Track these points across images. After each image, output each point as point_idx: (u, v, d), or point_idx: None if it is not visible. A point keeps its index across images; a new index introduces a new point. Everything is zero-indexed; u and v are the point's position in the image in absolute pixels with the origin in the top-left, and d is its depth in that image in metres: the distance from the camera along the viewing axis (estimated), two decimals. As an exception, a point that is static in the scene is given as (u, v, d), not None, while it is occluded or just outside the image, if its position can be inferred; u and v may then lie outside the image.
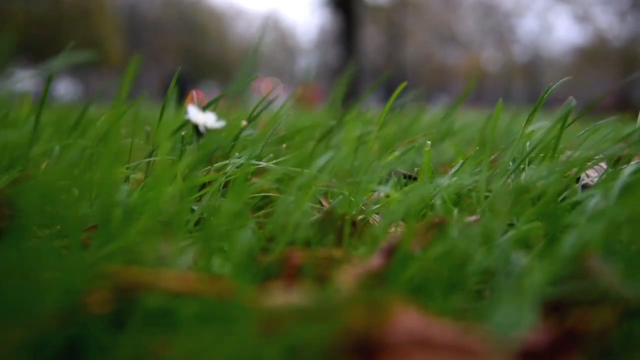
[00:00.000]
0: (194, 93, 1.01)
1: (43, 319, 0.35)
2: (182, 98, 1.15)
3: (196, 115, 0.78)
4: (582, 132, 0.87)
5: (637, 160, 0.67)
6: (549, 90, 0.84)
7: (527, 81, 41.06)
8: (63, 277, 0.39)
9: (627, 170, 0.60)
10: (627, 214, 0.47)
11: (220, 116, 0.90)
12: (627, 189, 0.58)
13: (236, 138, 0.90)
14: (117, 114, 0.72)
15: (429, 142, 0.72)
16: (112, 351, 0.37)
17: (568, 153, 0.91)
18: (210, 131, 0.78)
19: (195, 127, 0.78)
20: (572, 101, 0.80)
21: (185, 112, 0.77)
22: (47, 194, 0.50)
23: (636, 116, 0.88)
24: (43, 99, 0.81)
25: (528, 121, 0.82)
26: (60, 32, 26.38)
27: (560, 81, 0.86)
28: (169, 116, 0.91)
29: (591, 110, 0.89)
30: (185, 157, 0.81)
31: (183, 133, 0.83)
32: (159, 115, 0.87)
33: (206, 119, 0.78)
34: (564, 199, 0.67)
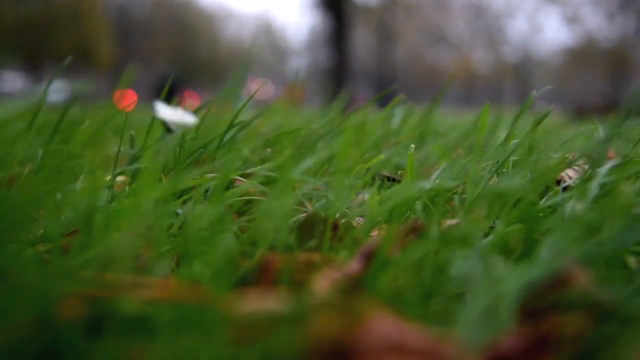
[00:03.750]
0: (184, 94, 1.01)
1: (17, 325, 0.35)
2: (171, 99, 1.16)
3: (166, 112, 0.77)
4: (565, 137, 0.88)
5: (614, 162, 0.68)
6: (531, 100, 0.85)
7: (518, 82, 41.29)
8: (40, 283, 0.39)
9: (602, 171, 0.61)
10: (604, 217, 0.47)
11: (208, 118, 0.90)
12: (605, 190, 0.59)
13: (221, 141, 0.90)
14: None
15: (412, 145, 0.72)
16: (89, 358, 0.37)
17: (552, 155, 0.91)
18: (180, 127, 0.78)
19: (165, 124, 0.77)
20: (550, 107, 0.82)
21: (155, 110, 0.77)
22: (30, 199, 0.49)
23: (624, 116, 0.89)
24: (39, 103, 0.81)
25: (511, 128, 0.82)
26: (51, 33, 26.25)
27: (543, 89, 0.87)
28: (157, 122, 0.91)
29: (579, 112, 0.90)
30: (166, 160, 0.81)
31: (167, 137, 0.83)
32: (148, 119, 0.87)
33: (176, 116, 0.77)
34: (545, 202, 0.67)
